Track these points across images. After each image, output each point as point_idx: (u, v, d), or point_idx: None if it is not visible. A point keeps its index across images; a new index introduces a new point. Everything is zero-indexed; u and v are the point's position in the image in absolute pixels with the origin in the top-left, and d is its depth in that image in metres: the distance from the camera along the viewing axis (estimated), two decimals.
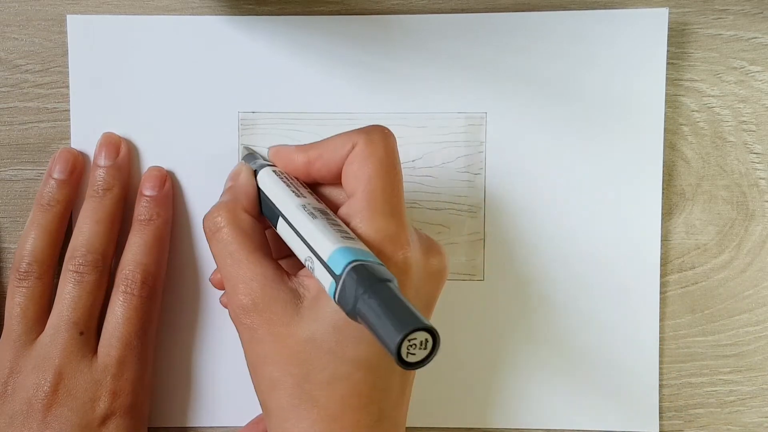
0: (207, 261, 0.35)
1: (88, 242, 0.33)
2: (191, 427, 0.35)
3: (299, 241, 0.26)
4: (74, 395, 0.31)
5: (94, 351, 0.32)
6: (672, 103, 0.35)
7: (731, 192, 0.35)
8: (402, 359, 0.21)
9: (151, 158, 0.35)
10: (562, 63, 0.34)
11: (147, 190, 0.34)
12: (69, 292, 0.32)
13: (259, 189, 0.30)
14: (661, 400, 0.35)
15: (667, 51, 0.34)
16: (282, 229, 0.28)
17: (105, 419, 0.31)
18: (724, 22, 0.35)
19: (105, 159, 0.34)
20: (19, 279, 0.32)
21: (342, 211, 0.27)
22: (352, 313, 0.23)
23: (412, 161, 0.35)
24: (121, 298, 0.32)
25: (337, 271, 0.23)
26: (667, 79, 0.35)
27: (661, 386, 0.35)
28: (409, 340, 0.21)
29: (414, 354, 0.21)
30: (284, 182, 0.29)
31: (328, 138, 0.29)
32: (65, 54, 0.35)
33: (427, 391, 0.35)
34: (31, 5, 0.35)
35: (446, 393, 0.35)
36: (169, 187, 0.34)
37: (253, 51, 0.35)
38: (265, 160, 0.31)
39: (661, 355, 0.35)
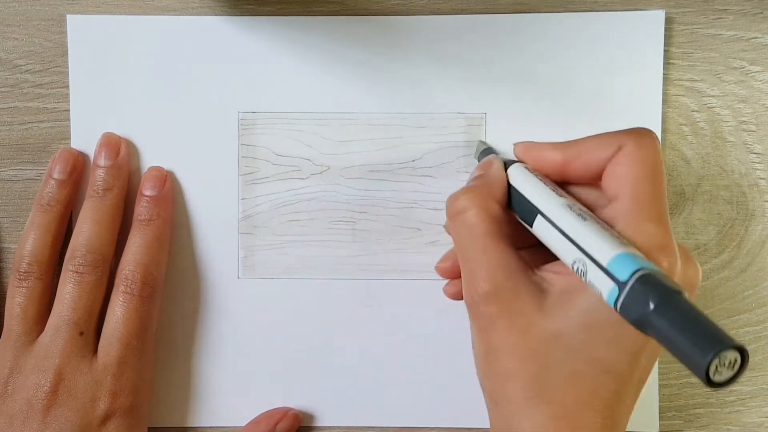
0: (207, 261, 0.35)
1: (88, 242, 0.33)
2: (191, 427, 0.35)
3: (565, 242, 0.25)
4: (74, 395, 0.31)
5: (94, 351, 0.32)
6: (672, 103, 0.35)
7: (731, 192, 0.35)
8: (709, 378, 0.20)
9: (151, 158, 0.35)
10: (560, 64, 0.34)
11: (147, 190, 0.34)
12: (69, 292, 0.32)
13: (509, 184, 0.29)
14: (661, 400, 0.35)
15: (667, 51, 0.34)
16: (541, 227, 0.27)
17: (105, 419, 0.31)
18: (724, 22, 0.35)
19: (105, 159, 0.34)
20: (20, 279, 0.32)
21: (604, 213, 0.26)
22: (640, 324, 0.22)
23: (412, 161, 0.35)
24: (121, 299, 0.32)
25: (621, 278, 0.23)
26: (667, 79, 0.35)
27: (661, 386, 0.35)
28: (719, 359, 0.20)
29: (720, 373, 0.20)
30: (540, 179, 0.28)
31: (585, 138, 0.28)
32: (65, 54, 0.35)
33: (427, 391, 0.35)
34: (31, 5, 0.35)
35: (446, 393, 0.35)
36: (170, 187, 0.34)
37: (253, 51, 0.35)
38: (504, 157, 0.31)
39: (660, 355, 0.35)
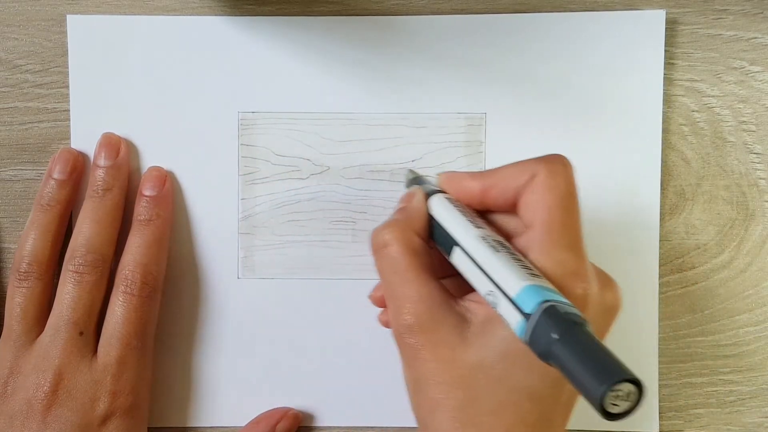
0: (207, 261, 0.35)
1: (88, 242, 0.33)
2: (191, 427, 0.35)
3: (479, 274, 0.25)
4: (74, 395, 0.31)
5: (94, 351, 0.32)
6: (672, 103, 0.35)
7: (731, 192, 0.35)
8: (604, 409, 0.20)
9: (151, 158, 0.35)
10: (560, 64, 0.34)
11: (147, 190, 0.34)
12: (69, 292, 0.32)
13: (430, 215, 0.29)
14: (661, 400, 0.35)
15: (667, 51, 0.34)
16: (458, 258, 0.27)
17: (105, 419, 0.31)
18: (724, 22, 0.35)
19: (105, 159, 0.34)
20: (19, 279, 0.32)
21: (519, 242, 0.27)
22: (545, 356, 0.22)
23: (412, 161, 0.35)
24: (121, 299, 0.32)
25: (527, 310, 0.23)
26: (667, 79, 0.35)
27: (660, 386, 0.35)
28: (612, 391, 0.20)
29: (617, 405, 0.21)
30: (459, 210, 0.28)
31: (502, 166, 0.28)
32: (65, 54, 0.35)
33: None
34: (31, 5, 0.35)
35: None
36: (169, 187, 0.34)
37: (253, 51, 0.35)
38: (431, 185, 0.31)
39: (660, 355, 0.35)
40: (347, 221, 0.35)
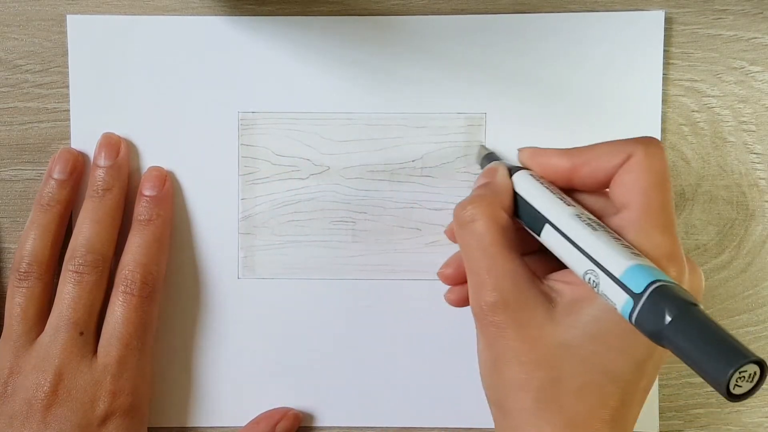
0: (207, 261, 0.35)
1: (88, 242, 0.33)
2: (191, 428, 0.35)
3: (576, 252, 0.25)
4: (74, 395, 0.31)
5: (94, 351, 0.32)
6: (672, 103, 0.35)
7: (731, 192, 0.35)
8: (729, 391, 0.20)
9: (151, 158, 0.35)
10: (560, 64, 0.34)
11: (147, 190, 0.34)
12: (69, 292, 0.32)
13: (515, 192, 0.28)
14: (661, 400, 0.35)
15: (667, 51, 0.34)
16: (549, 236, 0.26)
17: (105, 419, 0.31)
18: (724, 22, 0.35)
19: (105, 159, 0.34)
20: (19, 279, 0.32)
21: (613, 222, 0.26)
22: (656, 337, 0.22)
23: (412, 161, 0.35)
24: (120, 299, 0.32)
25: (636, 290, 0.23)
26: (667, 79, 0.35)
27: (661, 386, 0.35)
28: (739, 373, 0.20)
29: (740, 386, 0.20)
30: (546, 187, 0.27)
31: (592, 145, 0.27)
32: (65, 54, 0.35)
33: (427, 391, 0.35)
34: (31, 5, 0.35)
35: (446, 393, 0.35)
36: (170, 186, 0.34)
37: (253, 51, 0.35)
38: (508, 161, 0.30)
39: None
40: (347, 221, 0.35)
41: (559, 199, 0.27)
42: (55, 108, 0.35)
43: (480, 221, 0.27)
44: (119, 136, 0.34)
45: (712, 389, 0.35)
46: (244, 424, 0.35)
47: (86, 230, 0.33)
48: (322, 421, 0.35)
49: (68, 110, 0.35)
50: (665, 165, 0.26)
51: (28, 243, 0.33)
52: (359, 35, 0.35)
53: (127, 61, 0.35)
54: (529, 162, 0.29)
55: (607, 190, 0.27)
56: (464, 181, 0.35)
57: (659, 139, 0.34)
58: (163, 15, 0.35)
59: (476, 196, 0.28)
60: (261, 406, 0.35)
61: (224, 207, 0.35)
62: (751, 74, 0.35)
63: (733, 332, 0.35)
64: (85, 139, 0.35)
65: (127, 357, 0.32)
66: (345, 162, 0.35)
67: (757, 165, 0.35)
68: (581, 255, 0.25)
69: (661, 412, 0.35)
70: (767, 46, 0.35)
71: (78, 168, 0.34)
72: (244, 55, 0.35)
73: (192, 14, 0.35)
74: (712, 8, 0.35)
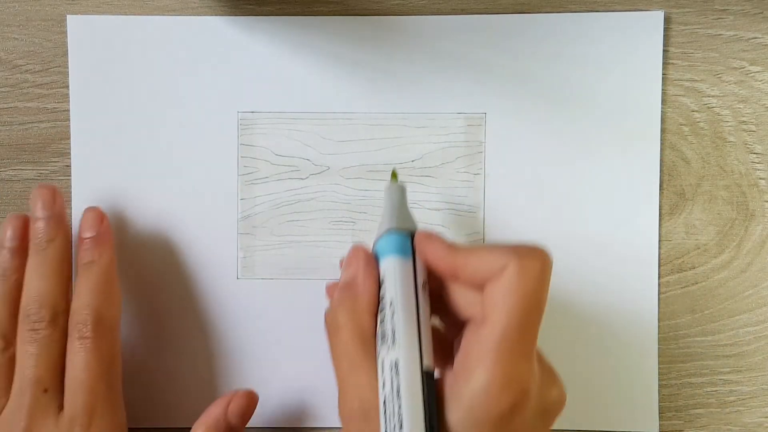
0: (206, 261, 0.35)
1: (40, 298, 0.32)
2: (190, 428, 0.35)
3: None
4: None
5: (62, 406, 0.31)
6: (672, 103, 0.35)
7: (731, 192, 0.35)
8: None
9: (151, 158, 0.35)
10: (560, 64, 0.34)
11: (85, 232, 0.33)
12: (27, 350, 0.31)
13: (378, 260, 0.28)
14: (660, 400, 0.35)
15: (667, 51, 0.34)
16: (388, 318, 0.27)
17: None
18: (724, 22, 0.35)
19: (42, 210, 0.33)
20: None
21: (470, 333, 0.26)
22: None
23: (412, 161, 0.35)
24: (77, 344, 0.31)
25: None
26: (667, 79, 0.35)
27: (660, 386, 0.35)
28: None
29: None
30: (402, 292, 0.27)
31: (481, 247, 0.27)
32: (65, 54, 0.35)
33: None
34: (31, 5, 0.35)
35: None
36: (107, 224, 0.34)
37: (253, 51, 0.35)
38: (406, 216, 0.30)
39: (660, 355, 0.35)
40: (347, 221, 0.35)
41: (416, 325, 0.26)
42: (55, 108, 0.35)
43: (344, 330, 0.27)
44: (53, 186, 0.33)
45: (713, 389, 0.35)
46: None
47: (35, 286, 0.32)
48: (322, 421, 0.35)
49: (68, 110, 0.35)
50: (540, 285, 0.25)
51: None
52: (359, 35, 0.35)
53: (127, 61, 0.35)
54: (419, 246, 0.28)
55: None
56: (464, 181, 0.35)
57: (659, 139, 0.34)
58: (163, 15, 0.35)
59: (340, 301, 0.28)
60: (260, 406, 0.35)
61: (223, 207, 0.35)
62: (751, 74, 0.35)
63: (732, 332, 0.35)
64: (85, 139, 0.35)
65: (95, 404, 0.31)
66: (345, 162, 0.35)
67: (757, 165, 0.35)
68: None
69: (661, 412, 0.35)
70: (767, 46, 0.35)
71: (28, 231, 0.33)
72: (244, 55, 0.35)
73: (192, 14, 0.35)
74: (712, 8, 0.35)
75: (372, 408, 0.26)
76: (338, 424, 0.35)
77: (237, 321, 0.35)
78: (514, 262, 0.25)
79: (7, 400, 0.32)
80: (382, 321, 0.27)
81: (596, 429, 0.35)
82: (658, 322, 0.35)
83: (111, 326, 0.32)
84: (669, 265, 0.35)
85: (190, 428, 0.34)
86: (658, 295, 0.35)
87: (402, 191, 0.31)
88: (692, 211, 0.35)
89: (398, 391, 0.25)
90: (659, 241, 0.35)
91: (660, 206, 0.35)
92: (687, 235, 0.35)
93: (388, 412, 0.25)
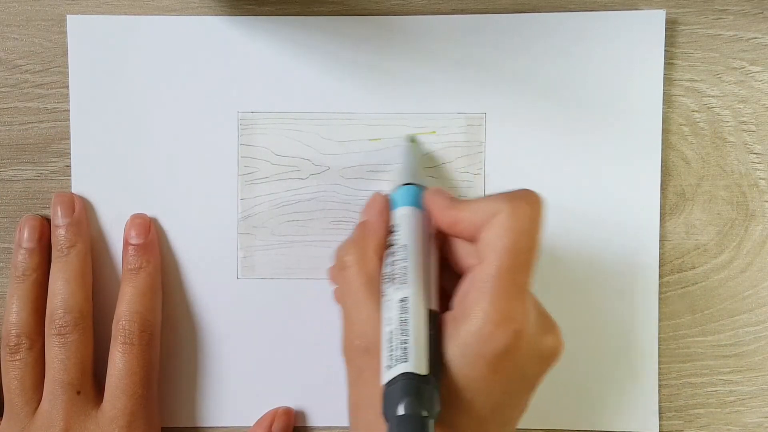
0: (207, 261, 0.35)
1: (65, 303, 0.33)
2: (190, 427, 0.35)
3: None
4: None
5: (97, 406, 0.32)
6: (672, 103, 0.35)
7: (731, 192, 0.35)
8: None
9: (151, 158, 0.35)
10: (560, 64, 0.34)
11: (133, 238, 0.34)
12: (56, 355, 0.32)
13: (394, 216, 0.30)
14: (660, 401, 0.35)
15: (667, 51, 0.34)
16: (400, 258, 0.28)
17: None
18: (724, 22, 0.35)
19: (62, 217, 0.34)
20: (11, 353, 0.33)
21: (468, 276, 0.27)
22: (385, 417, 0.24)
23: None
24: (120, 350, 0.32)
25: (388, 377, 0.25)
26: (667, 79, 0.35)
27: (660, 386, 0.35)
28: None
29: None
30: (414, 238, 0.28)
31: (477, 199, 0.28)
32: (65, 54, 0.35)
33: None
34: (31, 5, 0.35)
35: None
36: (155, 233, 0.34)
37: (253, 51, 0.35)
38: (421, 174, 0.31)
39: (660, 356, 0.35)
40: (347, 221, 0.35)
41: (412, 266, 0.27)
42: (55, 108, 0.35)
43: (352, 268, 0.28)
44: (72, 193, 0.35)
45: (713, 389, 0.35)
46: (242, 423, 0.35)
47: (60, 291, 0.33)
48: (322, 421, 0.35)
49: (68, 110, 0.35)
50: (530, 222, 0.26)
51: (11, 316, 0.33)
52: (359, 35, 0.35)
53: (127, 61, 0.35)
54: (426, 200, 0.30)
55: None
56: (464, 181, 0.35)
57: (659, 139, 0.34)
58: (163, 15, 0.35)
59: (352, 240, 0.29)
60: (260, 405, 0.35)
61: (224, 207, 0.35)
62: (751, 74, 0.35)
63: (732, 332, 0.35)
64: (85, 139, 0.35)
65: (135, 407, 0.32)
66: (345, 162, 0.35)
67: (757, 165, 0.35)
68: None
69: (661, 412, 0.35)
70: (767, 46, 0.35)
71: (45, 233, 0.34)
72: (244, 55, 0.35)
73: (192, 14, 0.35)
74: (712, 8, 0.35)
75: (373, 343, 0.26)
76: (337, 423, 0.36)
77: (237, 321, 0.35)
78: (506, 205, 0.26)
79: (39, 398, 0.33)
80: (393, 263, 0.28)
81: (596, 429, 0.35)
82: (658, 322, 0.35)
83: (154, 332, 0.33)
84: (669, 265, 0.35)
85: (189, 428, 0.35)
86: (658, 295, 0.35)
87: (420, 151, 0.33)
88: (692, 211, 0.35)
89: (405, 326, 0.25)
90: (659, 241, 0.35)
91: (660, 206, 0.35)
92: (687, 235, 0.35)
93: (393, 345, 0.25)
